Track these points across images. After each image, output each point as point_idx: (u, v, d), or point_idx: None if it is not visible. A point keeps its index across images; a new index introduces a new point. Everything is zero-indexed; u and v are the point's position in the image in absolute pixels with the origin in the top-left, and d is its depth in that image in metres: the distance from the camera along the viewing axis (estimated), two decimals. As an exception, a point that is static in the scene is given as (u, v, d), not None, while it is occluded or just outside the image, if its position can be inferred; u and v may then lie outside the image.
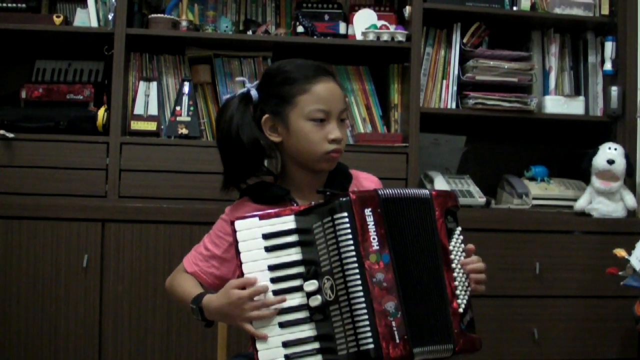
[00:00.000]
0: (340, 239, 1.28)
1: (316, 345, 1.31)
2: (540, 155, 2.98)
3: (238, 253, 1.34)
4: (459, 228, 1.42)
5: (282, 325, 1.32)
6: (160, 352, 2.41)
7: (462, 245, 1.41)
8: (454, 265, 1.38)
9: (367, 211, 1.29)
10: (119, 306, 2.40)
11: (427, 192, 1.39)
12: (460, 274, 1.38)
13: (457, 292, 1.36)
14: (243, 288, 1.33)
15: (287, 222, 1.36)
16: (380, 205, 1.31)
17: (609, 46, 2.78)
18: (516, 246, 2.54)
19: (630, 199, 2.66)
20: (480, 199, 2.67)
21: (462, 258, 1.40)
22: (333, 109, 1.49)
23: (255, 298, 1.32)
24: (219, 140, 1.54)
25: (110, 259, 2.40)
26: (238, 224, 1.36)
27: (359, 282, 1.26)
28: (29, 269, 2.38)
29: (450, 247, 1.38)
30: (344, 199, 1.29)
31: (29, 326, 2.37)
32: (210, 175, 2.48)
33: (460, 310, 1.35)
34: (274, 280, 1.33)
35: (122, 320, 2.40)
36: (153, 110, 2.61)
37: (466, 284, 1.39)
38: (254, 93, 1.53)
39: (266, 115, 1.51)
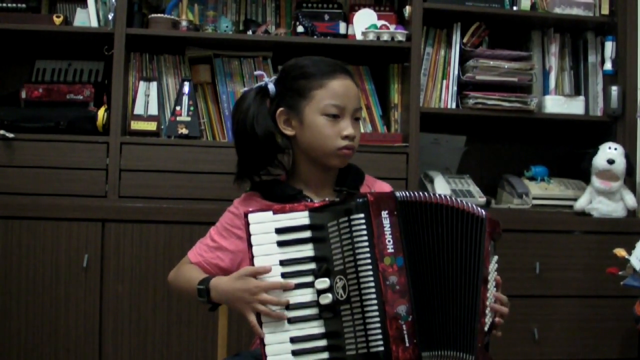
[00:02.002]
0: (355, 239, 1.27)
1: (324, 342, 1.31)
2: (540, 155, 2.98)
3: (250, 246, 1.34)
4: (496, 256, 1.42)
5: (290, 320, 1.32)
6: (160, 352, 2.41)
7: (495, 273, 1.40)
8: (489, 286, 1.36)
9: (384, 213, 1.28)
10: (119, 306, 2.40)
11: (483, 211, 1.37)
12: (494, 295, 1.38)
13: (487, 311, 1.35)
14: (254, 276, 1.33)
15: (301, 217, 1.36)
16: (397, 208, 1.30)
17: (609, 46, 2.78)
18: (516, 246, 2.54)
19: (630, 199, 2.66)
20: (480, 198, 2.67)
21: (494, 283, 1.39)
22: (348, 105, 1.50)
23: (270, 293, 1.32)
24: (234, 132, 1.54)
25: (111, 259, 2.40)
26: (252, 217, 1.35)
27: (372, 284, 1.25)
28: (29, 269, 2.38)
29: (489, 270, 1.37)
30: (361, 200, 1.28)
31: (29, 326, 2.37)
32: (210, 175, 2.49)
33: (485, 328, 1.34)
34: (284, 276, 1.33)
35: (122, 320, 2.40)
36: (153, 110, 2.61)
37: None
38: (271, 87, 1.54)
39: (281, 108, 1.52)
